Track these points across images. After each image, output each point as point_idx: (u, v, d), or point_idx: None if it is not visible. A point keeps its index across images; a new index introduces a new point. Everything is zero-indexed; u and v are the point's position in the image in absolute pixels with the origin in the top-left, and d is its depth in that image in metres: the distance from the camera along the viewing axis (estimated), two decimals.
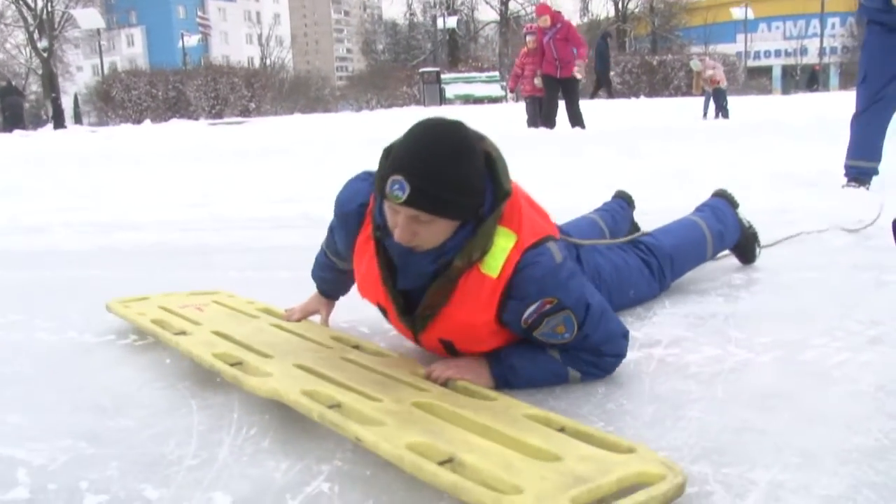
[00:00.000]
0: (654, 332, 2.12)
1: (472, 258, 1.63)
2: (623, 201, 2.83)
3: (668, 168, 6.02)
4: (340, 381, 1.69)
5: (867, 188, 4.47)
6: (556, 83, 9.55)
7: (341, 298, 2.27)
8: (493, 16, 44.63)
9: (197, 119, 21.66)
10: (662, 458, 1.31)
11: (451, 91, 20.79)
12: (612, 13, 43.66)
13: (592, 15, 44.52)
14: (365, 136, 11.31)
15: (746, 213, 2.78)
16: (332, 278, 2.17)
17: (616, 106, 14.08)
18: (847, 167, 4.55)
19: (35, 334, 2.41)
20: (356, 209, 1.84)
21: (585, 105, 10.37)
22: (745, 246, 2.76)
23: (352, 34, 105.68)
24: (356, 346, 2.00)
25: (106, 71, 58.33)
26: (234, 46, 72.73)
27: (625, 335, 1.79)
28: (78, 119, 32.11)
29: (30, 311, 2.64)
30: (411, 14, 52.81)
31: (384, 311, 1.89)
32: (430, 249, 1.62)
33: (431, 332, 1.77)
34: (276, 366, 1.79)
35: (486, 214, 1.62)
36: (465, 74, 22.24)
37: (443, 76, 21.05)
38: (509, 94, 12.18)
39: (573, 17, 43.73)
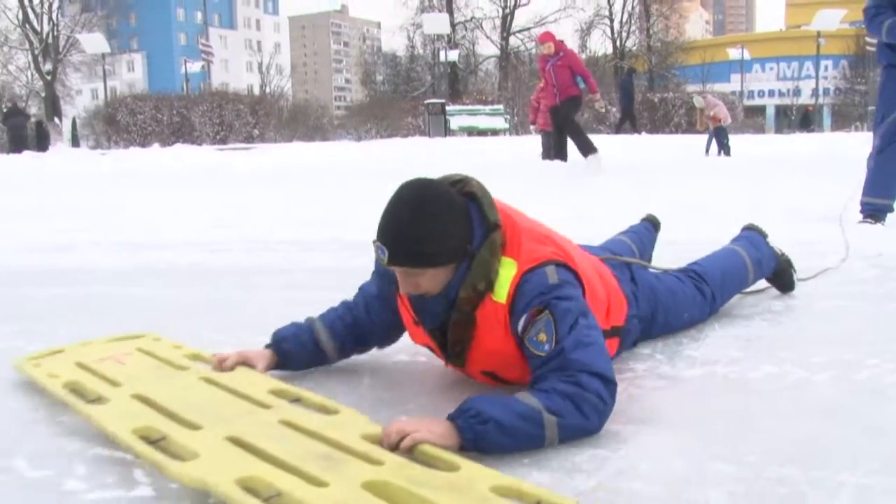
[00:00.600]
0: (710, 351, 2.21)
1: (478, 288, 1.74)
2: (650, 224, 2.91)
3: (685, 201, 6.16)
4: (279, 457, 1.51)
5: (882, 224, 4.60)
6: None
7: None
8: (492, 50, 45.28)
9: (200, 144, 21.79)
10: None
11: (455, 122, 20.99)
12: (609, 51, 44.25)
13: (590, 52, 45.02)
14: (376, 164, 11.47)
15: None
16: (307, 349, 2.06)
17: (620, 141, 14.25)
18: (863, 204, 4.69)
19: None
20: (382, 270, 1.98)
21: (599, 139, 10.37)
22: (783, 273, 2.86)
23: (350, 65, 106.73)
24: (297, 399, 1.82)
25: (107, 95, 58.62)
26: (233, 74, 73.37)
27: (613, 381, 1.65)
28: (76, 142, 32.20)
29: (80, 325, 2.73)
30: (412, 47, 53.34)
31: (432, 349, 1.98)
32: (438, 293, 1.76)
33: (472, 365, 1.88)
34: (205, 441, 1.59)
35: (476, 248, 1.74)
36: (470, 107, 22.52)
37: (447, 108, 21.32)
38: (529, 126, 12.15)
39: None
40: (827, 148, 12.70)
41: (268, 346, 2.06)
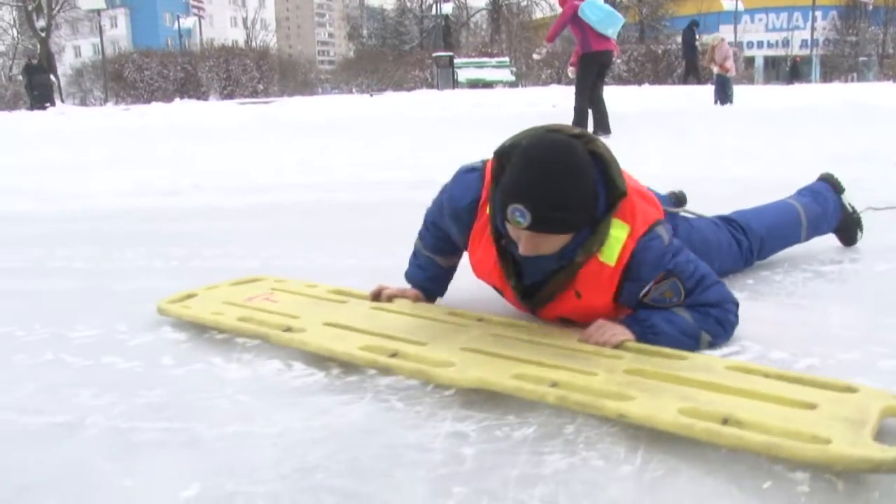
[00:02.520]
0: None
1: (592, 252, 1.74)
2: (675, 200, 2.88)
3: (724, 146, 6.69)
4: (529, 358, 1.60)
5: None
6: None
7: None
8: (481, 2, 45.21)
9: (207, 99, 21.97)
10: (890, 392, 1.40)
11: (462, 75, 21.29)
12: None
13: None
14: (402, 115, 11.88)
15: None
16: (433, 276, 2.15)
17: (629, 93, 14.68)
18: None
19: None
20: (468, 205, 1.91)
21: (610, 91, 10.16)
22: (847, 230, 2.76)
23: (334, 19, 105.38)
24: (480, 319, 1.92)
25: (89, 52, 57.60)
26: (218, 29, 72.26)
27: (737, 303, 1.86)
28: (61, 99, 32.11)
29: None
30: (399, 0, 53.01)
31: (502, 292, 2.00)
32: (551, 254, 1.74)
33: (550, 311, 1.90)
34: (444, 352, 1.64)
35: (601, 214, 1.73)
36: (477, 59, 22.84)
37: (455, 61, 21.63)
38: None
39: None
40: (824, 97, 13.14)
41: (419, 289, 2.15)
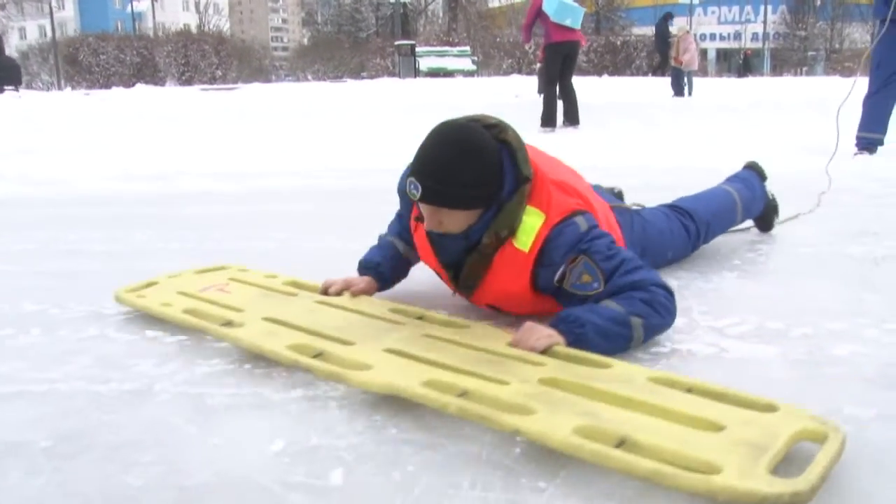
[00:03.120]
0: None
1: (501, 235, 1.81)
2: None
3: (691, 136, 6.96)
4: (447, 363, 1.60)
5: (872, 154, 5.47)
6: None
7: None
8: None
9: (164, 85, 21.67)
10: (808, 413, 1.34)
11: (424, 64, 21.36)
12: None
13: None
14: (371, 103, 11.96)
15: (774, 180, 2.96)
16: (389, 257, 2.18)
17: (589, 84, 14.93)
18: (858, 138, 5.54)
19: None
20: (403, 192, 2.07)
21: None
22: (766, 217, 2.96)
23: (287, 4, 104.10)
24: (420, 317, 1.93)
25: (35, 35, 55.81)
26: (169, 13, 70.85)
27: (668, 286, 1.83)
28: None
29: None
30: None
31: (440, 276, 2.09)
32: (457, 233, 1.83)
33: (478, 297, 1.99)
34: (366, 354, 1.66)
35: (506, 198, 1.80)
36: (438, 48, 22.93)
37: (417, 49, 21.68)
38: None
39: None
40: (778, 91, 13.60)
41: (364, 273, 2.17)
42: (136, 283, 2.27)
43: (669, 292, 1.82)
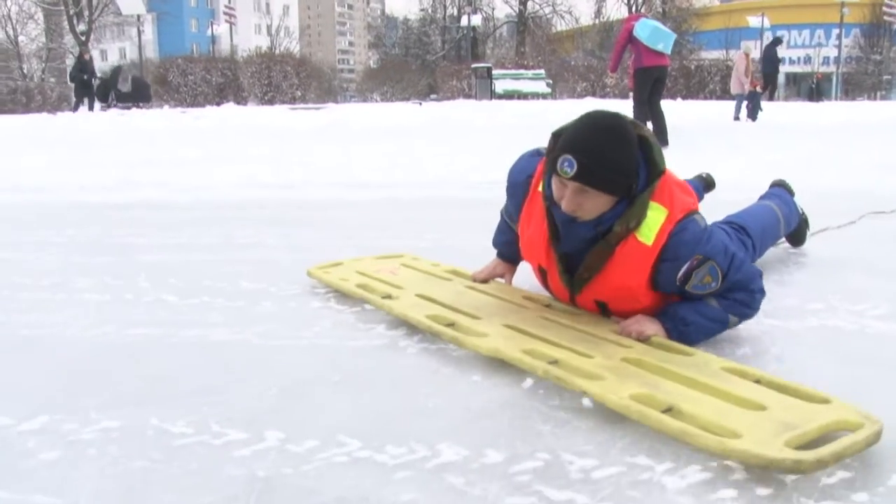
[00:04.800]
0: None
1: (629, 226, 1.87)
2: (704, 183, 3.21)
3: (779, 158, 7.13)
4: (550, 338, 1.86)
5: None
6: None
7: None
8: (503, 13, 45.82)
9: (247, 104, 22.54)
10: (858, 408, 1.44)
11: (499, 86, 21.92)
12: (625, 16, 44.76)
13: (605, 17, 45.56)
14: (458, 123, 12.39)
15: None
16: (512, 241, 2.31)
17: (667, 107, 15.01)
18: None
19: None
20: (524, 180, 2.13)
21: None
22: (799, 231, 3.08)
23: (354, 28, 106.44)
24: (548, 306, 2.18)
25: (115, 57, 58.15)
26: (242, 36, 73.23)
27: (760, 274, 2.01)
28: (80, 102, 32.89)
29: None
30: (422, 10, 53.61)
31: (544, 274, 2.14)
32: (589, 220, 1.88)
33: (588, 293, 2.03)
34: (487, 326, 1.97)
35: (640, 190, 1.87)
36: (513, 71, 23.45)
37: (493, 72, 22.21)
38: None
39: (587, 18, 44.98)
40: (855, 115, 13.51)
41: (500, 255, 2.43)
42: (325, 263, 2.73)
43: (762, 291, 2.00)
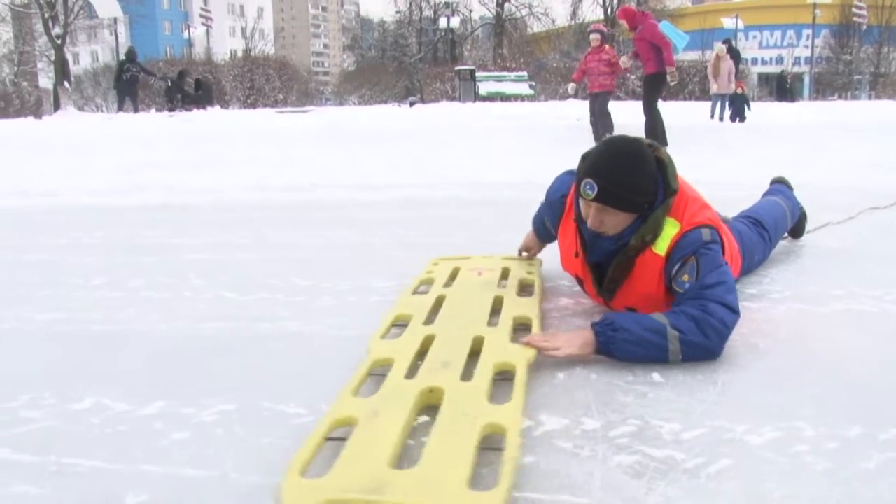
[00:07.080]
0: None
1: (645, 240, 2.04)
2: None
3: (769, 158, 7.37)
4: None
5: None
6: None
7: None
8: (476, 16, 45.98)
9: (228, 107, 22.51)
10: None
11: (483, 88, 22.13)
12: (601, 17, 45.09)
13: (581, 18, 45.84)
14: (449, 126, 12.53)
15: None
16: (542, 225, 2.67)
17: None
18: None
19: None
20: (560, 199, 2.39)
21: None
22: (800, 224, 3.31)
23: (329, 30, 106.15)
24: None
25: (87, 60, 57.38)
26: (216, 39, 72.79)
27: (736, 313, 1.93)
28: (58, 106, 32.56)
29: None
30: (398, 12, 53.58)
31: (581, 282, 2.36)
32: (612, 235, 2.08)
33: (618, 300, 2.20)
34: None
35: (655, 207, 2.03)
36: (497, 73, 23.69)
37: (476, 74, 22.39)
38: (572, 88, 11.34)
39: (563, 19, 45.33)
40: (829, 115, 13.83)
41: (535, 231, 2.80)
42: (453, 256, 2.98)
43: (730, 319, 1.91)
